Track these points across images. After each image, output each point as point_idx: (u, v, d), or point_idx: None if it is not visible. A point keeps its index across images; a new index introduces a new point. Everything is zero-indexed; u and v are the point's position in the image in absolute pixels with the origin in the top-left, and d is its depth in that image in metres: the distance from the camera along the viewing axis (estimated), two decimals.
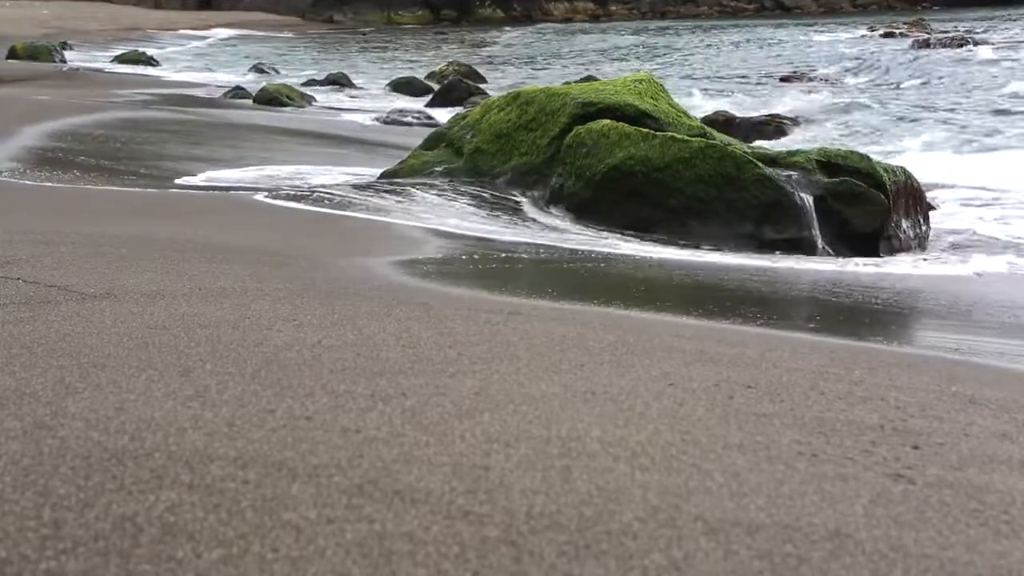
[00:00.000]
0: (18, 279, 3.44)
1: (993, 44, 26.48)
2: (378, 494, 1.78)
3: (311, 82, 19.43)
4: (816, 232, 6.29)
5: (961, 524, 1.83)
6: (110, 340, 2.72)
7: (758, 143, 9.84)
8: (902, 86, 19.42)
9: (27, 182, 6.67)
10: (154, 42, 35.25)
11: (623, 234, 6.46)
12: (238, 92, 16.55)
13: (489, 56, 30.56)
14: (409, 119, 14.12)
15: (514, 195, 7.23)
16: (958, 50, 24.89)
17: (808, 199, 6.35)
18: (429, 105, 16.40)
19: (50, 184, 6.68)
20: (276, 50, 35.88)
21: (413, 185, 7.47)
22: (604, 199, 6.61)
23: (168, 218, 5.35)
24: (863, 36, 30.24)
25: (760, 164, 6.42)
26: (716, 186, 6.37)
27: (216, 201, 6.35)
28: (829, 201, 6.41)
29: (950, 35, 27.88)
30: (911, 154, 11.27)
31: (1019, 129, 13.09)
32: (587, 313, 3.72)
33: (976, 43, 26.34)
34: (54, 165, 7.62)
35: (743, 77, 22.54)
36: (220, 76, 22.36)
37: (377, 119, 14.39)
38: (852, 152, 6.82)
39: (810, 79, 21.01)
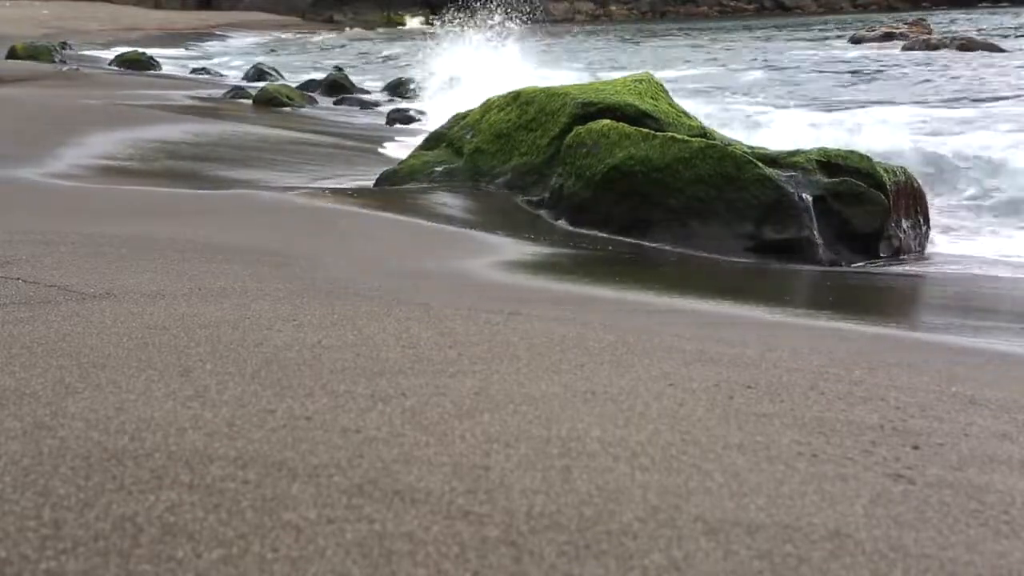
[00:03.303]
0: (18, 279, 3.44)
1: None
2: (378, 494, 1.78)
3: (311, 83, 19.41)
4: (816, 232, 6.29)
5: (961, 524, 1.83)
6: (110, 340, 2.72)
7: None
8: None
9: (28, 181, 6.67)
10: (155, 44, 35.23)
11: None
12: (237, 92, 16.53)
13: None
14: (410, 117, 14.16)
15: (516, 195, 7.23)
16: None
17: (808, 199, 6.35)
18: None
19: (50, 183, 6.68)
20: (276, 50, 35.88)
21: (413, 188, 7.47)
22: (604, 199, 6.61)
23: (168, 218, 5.35)
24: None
25: (760, 164, 6.41)
26: (716, 186, 6.37)
27: (216, 201, 6.34)
28: (829, 201, 6.41)
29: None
30: None
31: None
32: (587, 313, 3.72)
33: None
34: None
35: None
36: (218, 77, 22.35)
37: (381, 119, 14.42)
38: (852, 152, 6.82)
39: None
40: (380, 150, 11.14)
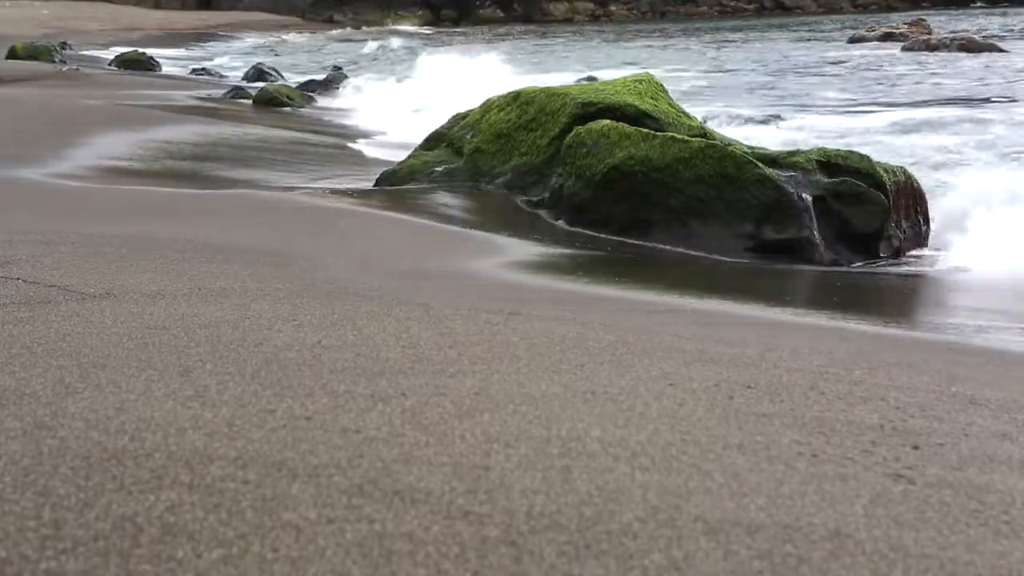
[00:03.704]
0: (18, 279, 3.44)
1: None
2: (378, 494, 1.78)
3: (311, 83, 19.40)
4: (816, 232, 6.29)
5: (961, 524, 1.83)
6: (110, 340, 2.72)
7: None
8: None
9: (28, 181, 6.67)
10: (155, 44, 35.21)
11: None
12: (237, 93, 16.51)
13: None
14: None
15: (515, 195, 7.23)
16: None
17: (808, 199, 6.35)
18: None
19: (50, 183, 6.68)
20: (276, 51, 35.87)
21: (413, 188, 7.47)
22: (604, 199, 6.61)
23: (168, 218, 5.35)
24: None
25: (760, 164, 6.41)
26: (716, 186, 6.37)
27: (216, 201, 6.35)
28: (829, 201, 6.41)
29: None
30: None
31: None
32: (587, 313, 3.73)
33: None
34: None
35: None
36: (218, 77, 22.33)
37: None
38: (852, 152, 6.81)
39: None
40: (351, 145, 11.19)
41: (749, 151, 6.67)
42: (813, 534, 1.73)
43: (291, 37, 45.61)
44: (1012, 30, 33.48)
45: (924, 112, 13.64)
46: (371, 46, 33.22)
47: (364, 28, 54.61)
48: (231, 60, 30.00)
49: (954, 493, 1.97)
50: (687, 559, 1.62)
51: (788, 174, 6.45)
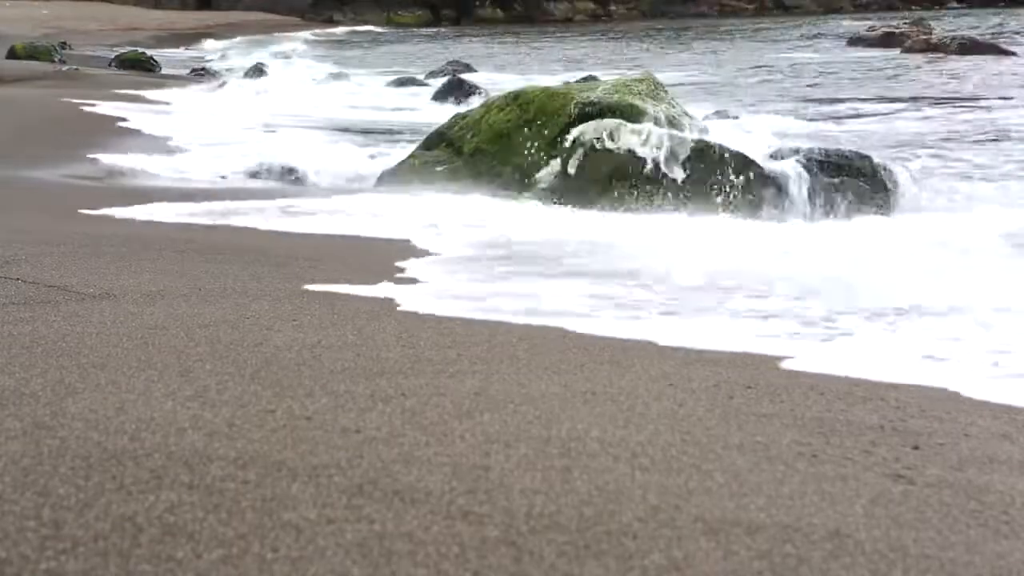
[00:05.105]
0: (18, 279, 3.44)
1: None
2: (378, 494, 1.78)
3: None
4: None
5: (961, 524, 1.84)
6: (110, 340, 2.72)
7: None
8: None
9: (28, 181, 6.67)
10: (155, 44, 35.18)
11: None
12: None
13: (488, 55, 30.53)
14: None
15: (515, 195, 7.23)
16: None
17: None
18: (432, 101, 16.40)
19: (49, 182, 6.68)
20: (274, 50, 35.84)
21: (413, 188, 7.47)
22: (603, 199, 6.62)
23: (168, 216, 5.34)
24: None
25: (759, 163, 6.43)
26: None
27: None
28: None
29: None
30: None
31: None
32: None
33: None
34: None
35: None
36: (218, 77, 22.30)
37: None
38: (853, 152, 6.84)
39: None
40: None
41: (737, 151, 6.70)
42: (813, 534, 1.73)
43: (292, 37, 45.48)
44: (1016, 31, 33.25)
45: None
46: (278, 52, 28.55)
47: (344, 28, 54.27)
48: (231, 60, 29.94)
49: (954, 493, 1.97)
50: (687, 559, 1.62)
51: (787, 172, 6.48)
